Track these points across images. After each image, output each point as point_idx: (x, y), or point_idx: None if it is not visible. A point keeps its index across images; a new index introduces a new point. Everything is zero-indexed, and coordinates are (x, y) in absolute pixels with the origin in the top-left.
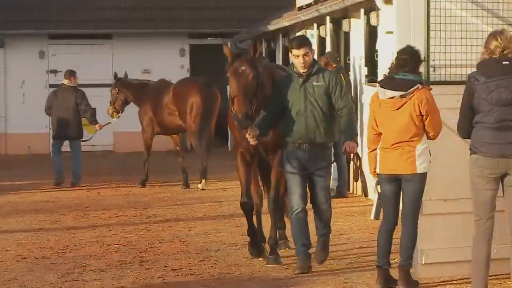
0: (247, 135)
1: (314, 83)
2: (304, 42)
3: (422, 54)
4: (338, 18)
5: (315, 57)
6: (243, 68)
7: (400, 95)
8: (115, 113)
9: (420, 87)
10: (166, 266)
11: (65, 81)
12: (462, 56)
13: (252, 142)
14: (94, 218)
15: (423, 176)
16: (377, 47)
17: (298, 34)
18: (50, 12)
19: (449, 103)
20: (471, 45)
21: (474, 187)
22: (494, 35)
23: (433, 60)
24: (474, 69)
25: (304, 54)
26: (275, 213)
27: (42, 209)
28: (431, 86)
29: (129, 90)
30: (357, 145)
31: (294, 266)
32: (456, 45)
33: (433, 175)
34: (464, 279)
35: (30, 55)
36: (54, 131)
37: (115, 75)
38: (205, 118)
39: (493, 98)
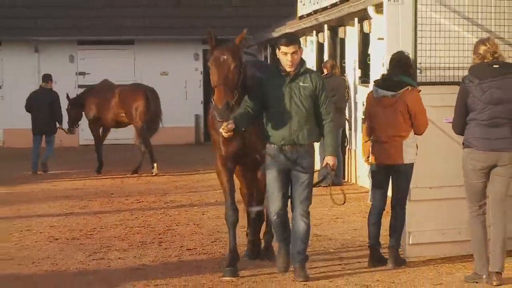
0: (221, 129)
1: (301, 84)
2: (293, 40)
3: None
4: (335, 26)
5: (314, 61)
6: (225, 57)
7: (391, 95)
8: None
9: (409, 89)
10: (182, 246)
11: (43, 84)
12: (445, 59)
13: (225, 135)
14: (118, 204)
15: (410, 166)
16: (369, 52)
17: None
18: (78, 21)
19: (434, 102)
20: (454, 50)
21: (467, 179)
22: (482, 41)
23: (420, 63)
24: (457, 71)
25: (293, 52)
26: (256, 224)
27: (72, 196)
28: (420, 88)
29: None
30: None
31: (276, 267)
32: (440, 50)
33: (420, 166)
34: (446, 257)
35: (61, 59)
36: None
37: (67, 96)
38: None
39: (486, 97)
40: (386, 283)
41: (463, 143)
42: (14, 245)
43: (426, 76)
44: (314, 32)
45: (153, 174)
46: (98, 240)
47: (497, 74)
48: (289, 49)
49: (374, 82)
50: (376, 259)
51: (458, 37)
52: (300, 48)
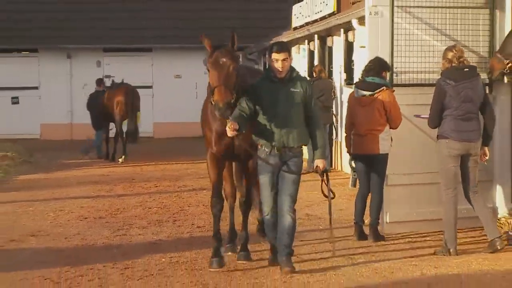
0: (227, 127)
1: (291, 89)
2: (283, 47)
3: (388, 64)
4: (324, 36)
5: (306, 66)
6: (224, 59)
7: (369, 94)
8: None
9: (385, 89)
10: (193, 224)
11: (96, 87)
12: (418, 65)
13: (230, 134)
14: (138, 188)
15: (385, 156)
16: (353, 58)
17: (293, 48)
18: (104, 31)
19: (407, 101)
20: (425, 56)
21: (444, 166)
22: (450, 48)
23: (396, 68)
24: (427, 75)
25: (283, 59)
26: (246, 213)
27: (99, 181)
28: (393, 88)
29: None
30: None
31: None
32: (413, 57)
33: (395, 155)
34: (418, 233)
35: (90, 64)
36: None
37: None
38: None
39: (461, 97)
40: (368, 255)
41: (438, 135)
42: (50, 223)
43: (401, 78)
44: (306, 41)
45: (119, 162)
46: (121, 219)
47: (468, 76)
48: (280, 56)
49: (355, 83)
50: (359, 235)
51: (429, 45)
52: (291, 56)
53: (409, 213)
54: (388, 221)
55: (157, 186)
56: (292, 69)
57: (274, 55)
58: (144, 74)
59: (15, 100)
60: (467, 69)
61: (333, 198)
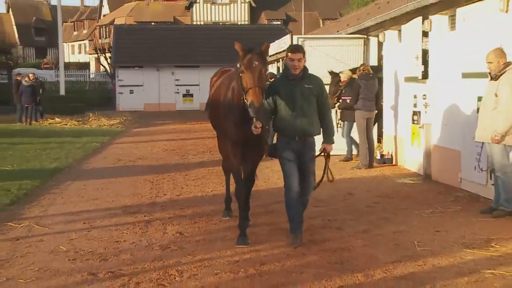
0: (252, 126)
1: (305, 85)
2: (299, 49)
3: None
4: None
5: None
6: (257, 62)
7: None
8: None
9: None
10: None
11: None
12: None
13: (256, 132)
14: (194, 134)
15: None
16: None
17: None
18: (175, 54)
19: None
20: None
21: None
22: (362, 64)
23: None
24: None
25: (298, 59)
26: (250, 188)
27: (172, 131)
28: None
29: None
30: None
31: (290, 241)
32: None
33: None
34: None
35: (168, 74)
36: None
37: None
38: None
39: (373, 91)
40: None
41: (355, 108)
42: (148, 152)
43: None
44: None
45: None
46: (184, 150)
47: (371, 78)
48: (296, 56)
49: None
50: None
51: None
52: (304, 57)
53: None
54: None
55: (202, 135)
56: (305, 68)
57: (290, 55)
58: (194, 78)
59: (131, 90)
60: (371, 75)
61: (332, 180)
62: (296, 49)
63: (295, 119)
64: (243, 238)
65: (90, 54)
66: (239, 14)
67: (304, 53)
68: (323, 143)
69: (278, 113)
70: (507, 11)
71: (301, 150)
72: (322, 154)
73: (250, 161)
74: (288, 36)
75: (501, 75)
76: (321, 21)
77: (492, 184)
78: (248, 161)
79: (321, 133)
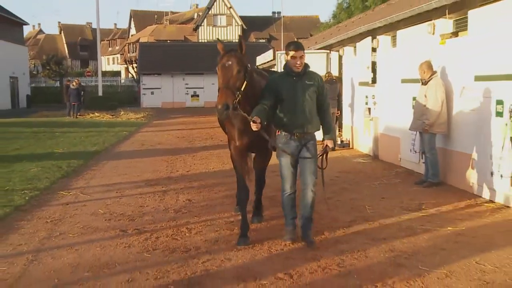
0: (251, 123)
1: (307, 82)
2: (300, 46)
3: None
4: None
5: None
6: (230, 62)
7: None
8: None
9: None
10: (221, 140)
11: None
12: None
13: (255, 128)
14: (200, 125)
15: None
16: None
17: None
18: (185, 64)
19: None
20: None
21: None
22: (328, 72)
23: None
24: None
25: (300, 56)
26: (262, 188)
27: (183, 123)
28: None
29: None
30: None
31: (284, 237)
32: None
33: None
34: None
35: (180, 80)
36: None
37: None
38: None
39: (335, 93)
40: None
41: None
42: (164, 139)
43: None
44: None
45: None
46: (191, 137)
47: (334, 82)
48: (297, 54)
49: None
50: None
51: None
52: (304, 54)
53: None
54: None
55: (205, 126)
56: (306, 65)
57: (292, 53)
58: (200, 83)
59: (152, 92)
60: (334, 80)
61: (324, 168)
62: (298, 47)
63: (294, 115)
64: (244, 239)
65: (121, 64)
66: (234, 34)
67: (304, 50)
68: (323, 139)
69: (279, 109)
70: (433, 33)
71: (300, 147)
72: (324, 153)
73: (258, 163)
74: (271, 51)
75: (429, 81)
76: (296, 39)
77: (423, 162)
78: (256, 163)
79: (321, 129)
